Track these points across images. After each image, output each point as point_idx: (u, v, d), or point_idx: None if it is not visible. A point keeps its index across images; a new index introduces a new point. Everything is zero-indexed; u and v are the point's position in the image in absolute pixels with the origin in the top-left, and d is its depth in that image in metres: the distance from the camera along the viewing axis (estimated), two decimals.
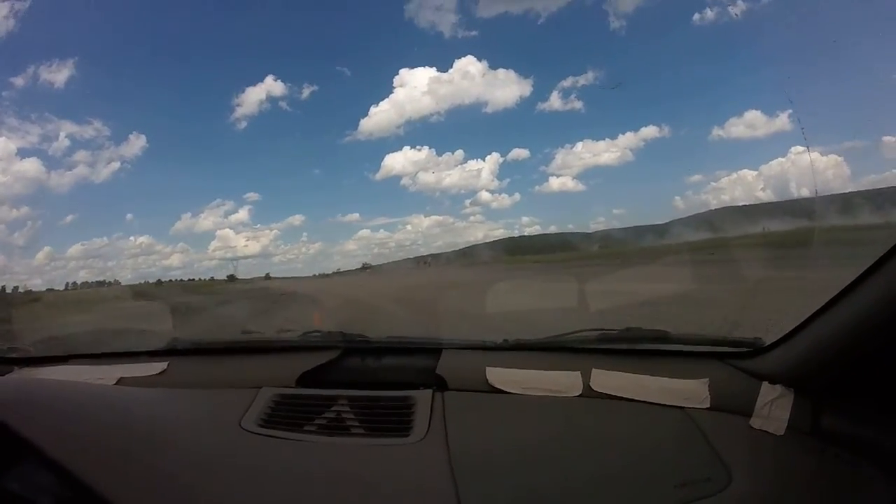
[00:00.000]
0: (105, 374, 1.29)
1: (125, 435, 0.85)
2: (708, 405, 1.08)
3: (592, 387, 1.15)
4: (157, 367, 1.31)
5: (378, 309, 8.77)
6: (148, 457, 0.81)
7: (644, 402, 1.10)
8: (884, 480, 0.87)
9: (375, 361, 1.32)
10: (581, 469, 0.92)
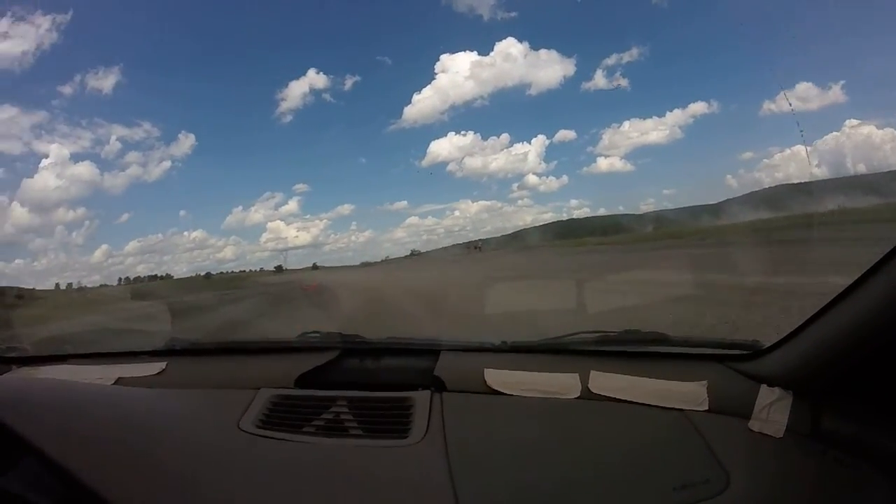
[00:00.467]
0: (103, 374, 1.29)
1: (123, 435, 0.85)
2: (706, 407, 1.08)
3: (591, 389, 1.15)
4: (156, 367, 1.31)
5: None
6: (146, 457, 0.81)
7: (642, 404, 1.10)
8: (883, 483, 0.87)
9: (374, 362, 1.32)
10: (579, 471, 0.92)
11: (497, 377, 1.19)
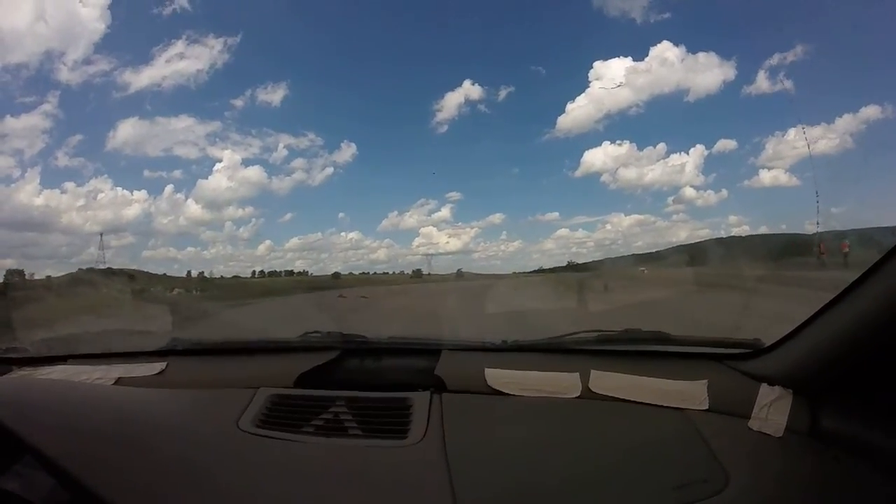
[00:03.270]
0: (103, 374, 1.29)
1: (123, 435, 0.85)
2: (706, 407, 1.08)
3: (591, 388, 1.15)
4: (156, 367, 1.31)
5: None
6: (146, 457, 0.81)
7: (642, 403, 1.10)
8: (882, 481, 0.87)
9: (374, 362, 1.32)
10: (579, 470, 0.92)
11: (497, 377, 1.19)
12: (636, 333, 1.35)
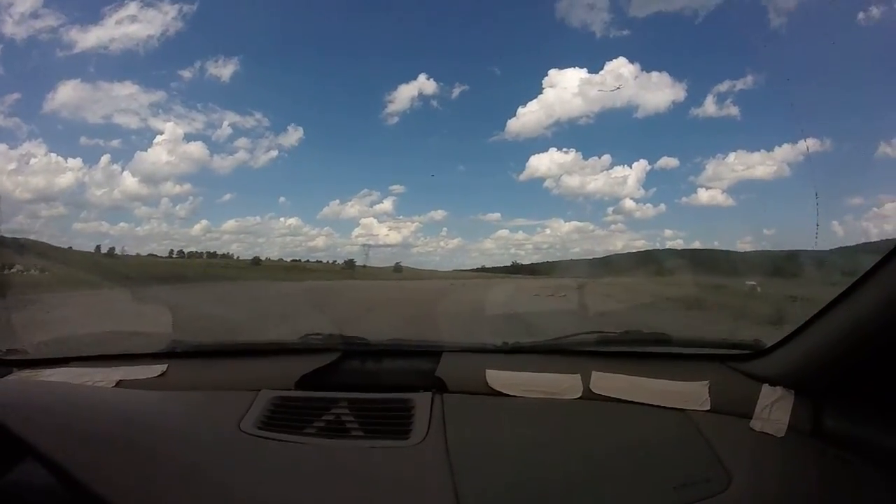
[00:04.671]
0: (104, 377, 1.29)
1: (124, 437, 0.85)
2: (708, 407, 1.08)
3: (592, 389, 1.15)
4: (157, 369, 1.31)
5: None
6: (147, 459, 0.81)
7: (644, 404, 1.10)
8: (884, 482, 0.87)
9: (375, 364, 1.32)
10: (581, 471, 0.92)
11: (498, 378, 1.19)
12: (637, 335, 1.34)
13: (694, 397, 1.10)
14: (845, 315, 0.91)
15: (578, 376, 1.17)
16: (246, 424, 1.03)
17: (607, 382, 1.16)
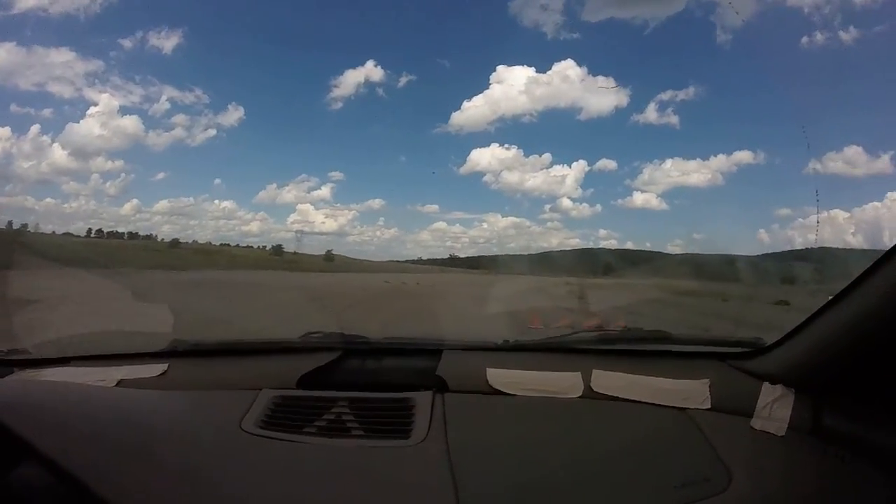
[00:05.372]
0: (105, 376, 1.29)
1: (126, 436, 0.85)
2: (709, 406, 1.08)
3: (593, 388, 1.15)
4: (158, 368, 1.31)
5: None
6: (148, 458, 0.81)
7: (645, 402, 1.10)
8: (885, 480, 0.87)
9: (375, 363, 1.32)
10: (582, 469, 0.92)
11: (499, 377, 1.19)
12: (637, 333, 1.35)
13: (694, 396, 1.10)
14: (845, 313, 0.91)
15: (579, 374, 1.17)
16: (247, 424, 1.03)
17: (608, 381, 1.16)
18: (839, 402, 0.99)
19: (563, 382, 1.17)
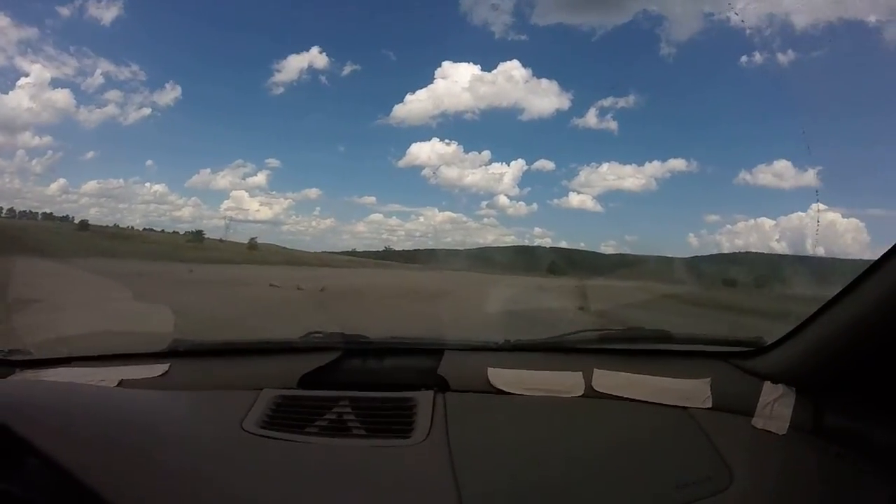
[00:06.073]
0: (106, 376, 1.29)
1: (127, 437, 0.86)
2: (710, 405, 1.08)
3: (594, 387, 1.15)
4: (159, 368, 1.31)
5: None
6: (150, 458, 0.81)
7: (646, 402, 1.10)
8: (886, 479, 0.87)
9: (377, 362, 1.32)
10: (583, 469, 0.92)
11: (500, 376, 1.19)
12: (638, 332, 1.35)
13: (696, 395, 1.10)
14: (847, 312, 0.91)
15: (580, 374, 1.17)
16: (248, 424, 1.03)
17: (609, 380, 1.16)
18: (840, 401, 0.99)
19: (564, 382, 1.17)
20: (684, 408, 1.08)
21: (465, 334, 1.51)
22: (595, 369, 1.18)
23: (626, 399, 1.12)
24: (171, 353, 1.40)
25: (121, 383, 1.27)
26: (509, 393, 1.16)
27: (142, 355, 1.40)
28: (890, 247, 0.80)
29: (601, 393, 1.14)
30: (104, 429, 0.86)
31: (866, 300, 0.87)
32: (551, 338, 1.39)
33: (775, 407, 1.02)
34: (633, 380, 1.15)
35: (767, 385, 1.06)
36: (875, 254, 0.85)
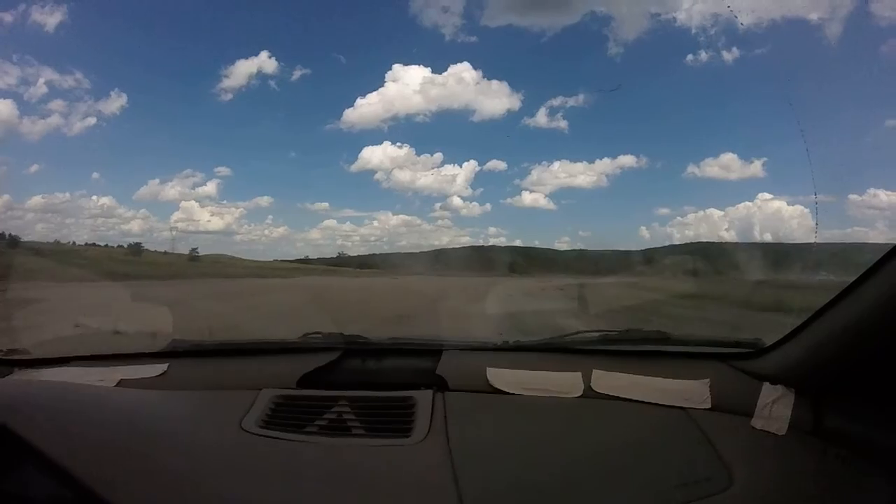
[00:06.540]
0: (105, 376, 1.29)
1: (126, 437, 0.85)
2: (709, 406, 1.08)
3: (593, 387, 1.15)
4: (158, 368, 1.31)
5: None
6: (149, 458, 0.81)
7: (645, 402, 1.10)
8: (885, 480, 0.87)
9: (376, 362, 1.32)
10: (582, 469, 0.92)
11: (499, 376, 1.19)
12: (638, 333, 1.35)
13: (695, 396, 1.10)
14: (846, 313, 0.91)
15: (579, 374, 1.17)
16: (247, 423, 1.03)
17: (608, 381, 1.16)
18: (840, 401, 0.99)
19: (564, 382, 1.17)
20: (683, 408, 1.08)
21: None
22: (594, 370, 1.18)
23: (626, 399, 1.12)
24: (169, 353, 1.40)
25: (119, 383, 1.27)
26: (508, 393, 1.16)
27: (140, 355, 1.40)
28: (890, 248, 0.80)
29: (600, 393, 1.14)
30: (103, 428, 0.86)
31: (865, 301, 0.87)
32: (551, 338, 1.39)
33: (774, 408, 1.02)
34: (632, 380, 1.15)
35: (767, 386, 1.06)
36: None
